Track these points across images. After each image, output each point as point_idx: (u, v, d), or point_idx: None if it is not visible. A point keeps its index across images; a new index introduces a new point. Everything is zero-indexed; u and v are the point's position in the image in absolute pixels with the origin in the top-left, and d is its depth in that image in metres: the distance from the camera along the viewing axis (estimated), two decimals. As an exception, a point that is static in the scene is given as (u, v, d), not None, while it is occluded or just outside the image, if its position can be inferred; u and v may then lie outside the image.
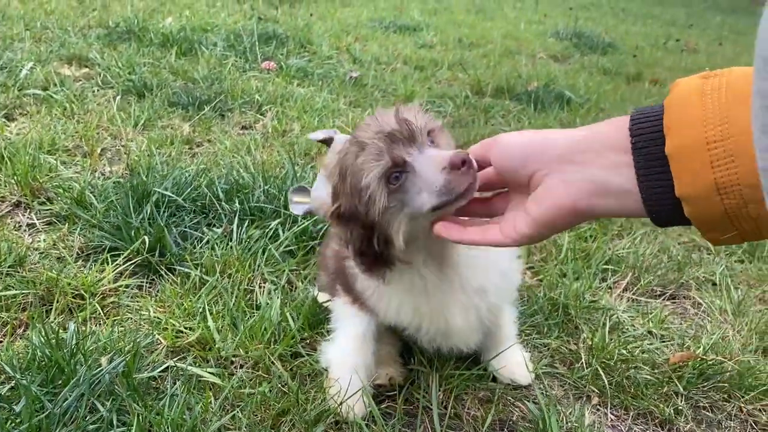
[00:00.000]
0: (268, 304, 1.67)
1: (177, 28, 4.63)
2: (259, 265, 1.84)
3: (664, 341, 1.81)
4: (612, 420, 1.52)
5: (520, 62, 5.51)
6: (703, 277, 2.21)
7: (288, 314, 1.63)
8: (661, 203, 0.81)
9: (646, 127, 0.81)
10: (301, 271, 1.89)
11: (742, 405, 1.59)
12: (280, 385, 1.42)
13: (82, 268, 1.80)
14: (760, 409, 1.59)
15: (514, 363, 1.57)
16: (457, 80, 4.64)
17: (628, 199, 0.83)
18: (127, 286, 1.76)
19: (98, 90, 3.34)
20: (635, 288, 2.08)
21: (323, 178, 1.17)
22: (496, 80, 4.56)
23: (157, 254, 1.86)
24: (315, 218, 2.05)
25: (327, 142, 1.20)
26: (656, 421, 1.53)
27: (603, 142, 0.85)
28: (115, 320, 1.61)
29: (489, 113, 3.84)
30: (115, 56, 3.84)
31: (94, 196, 2.12)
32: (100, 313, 1.63)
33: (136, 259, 1.83)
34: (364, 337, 1.38)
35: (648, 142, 0.80)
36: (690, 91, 0.78)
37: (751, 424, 1.56)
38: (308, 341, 1.59)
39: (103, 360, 1.39)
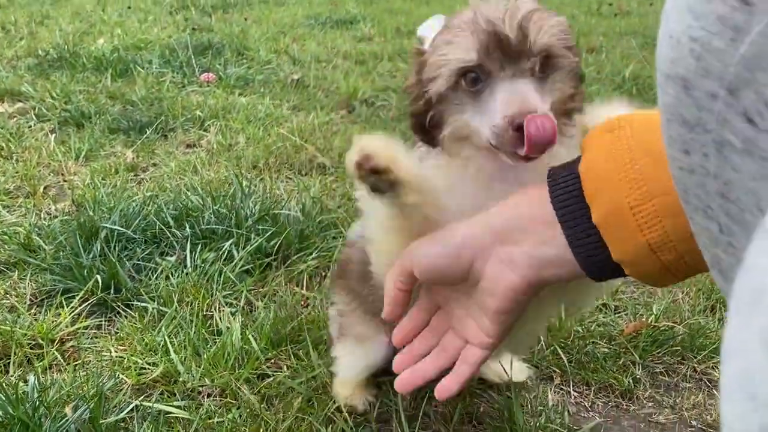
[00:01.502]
0: (228, 328, 1.68)
1: (110, 49, 4.53)
2: (216, 291, 1.84)
3: (618, 312, 1.88)
4: (575, 397, 1.58)
5: (459, 45, 5.54)
6: (651, 242, 2.28)
7: (250, 336, 1.64)
8: (602, 269, 0.81)
9: (567, 199, 0.81)
10: (260, 290, 1.90)
11: (696, 365, 1.67)
12: (248, 410, 1.43)
13: (37, 315, 1.78)
14: (712, 367, 1.66)
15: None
16: (399, 71, 4.65)
17: (572, 267, 0.82)
18: (85, 328, 1.74)
19: (35, 124, 3.26)
20: (587, 262, 2.14)
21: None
22: (437, 67, 4.58)
23: (112, 291, 1.84)
24: (269, 234, 2.06)
25: None
26: (617, 392, 1.59)
27: (530, 218, 0.84)
28: (76, 365, 1.60)
29: (433, 102, 3.86)
30: (48, 86, 3.75)
31: (42, 238, 2.09)
32: (60, 360, 1.61)
33: (91, 299, 1.81)
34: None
35: (575, 216, 0.80)
36: (601, 153, 0.78)
37: (705, 383, 1.63)
38: (273, 361, 1.61)
39: (68, 409, 1.38)
